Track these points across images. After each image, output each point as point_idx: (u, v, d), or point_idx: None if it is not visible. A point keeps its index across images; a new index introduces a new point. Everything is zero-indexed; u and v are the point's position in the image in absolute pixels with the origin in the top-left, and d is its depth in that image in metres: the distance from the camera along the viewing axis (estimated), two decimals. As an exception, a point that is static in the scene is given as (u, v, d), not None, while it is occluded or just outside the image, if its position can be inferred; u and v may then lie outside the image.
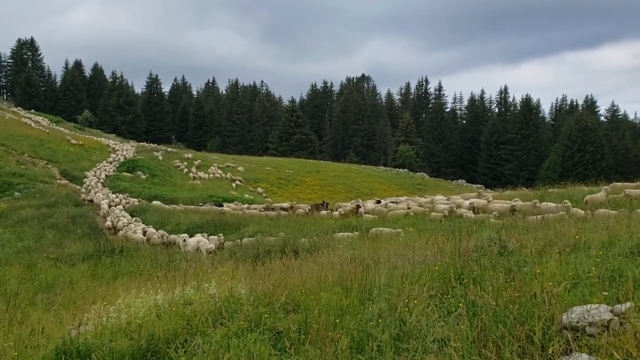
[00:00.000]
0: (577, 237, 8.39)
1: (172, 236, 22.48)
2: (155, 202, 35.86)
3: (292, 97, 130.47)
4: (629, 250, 7.21)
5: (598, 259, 6.80)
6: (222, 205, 33.67)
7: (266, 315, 6.55)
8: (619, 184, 24.39)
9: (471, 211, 20.19)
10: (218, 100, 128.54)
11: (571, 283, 6.23)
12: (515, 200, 19.66)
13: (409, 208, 23.37)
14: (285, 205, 31.25)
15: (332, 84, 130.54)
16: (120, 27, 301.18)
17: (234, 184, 53.09)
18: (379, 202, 28.35)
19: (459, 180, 77.35)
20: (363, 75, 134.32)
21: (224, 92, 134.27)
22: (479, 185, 65.91)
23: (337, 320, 6.06)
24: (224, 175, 57.08)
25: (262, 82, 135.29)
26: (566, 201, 17.14)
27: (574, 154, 78.15)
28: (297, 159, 78.80)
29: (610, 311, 5.19)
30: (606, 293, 5.69)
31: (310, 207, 29.45)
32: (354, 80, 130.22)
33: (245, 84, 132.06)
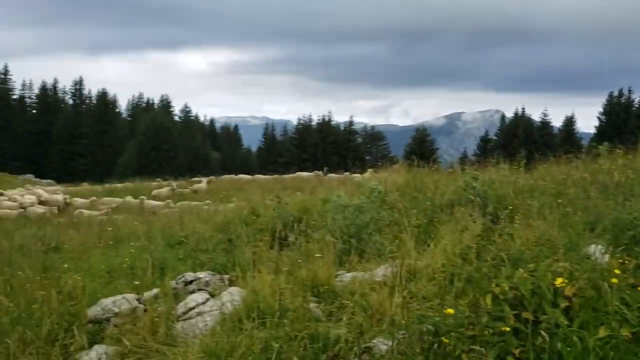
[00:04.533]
0: (109, 229, 8.48)
1: None
2: None
3: None
4: (174, 241, 7.48)
5: (133, 250, 6.80)
6: None
7: None
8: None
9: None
10: None
11: (112, 276, 6.20)
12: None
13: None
14: None
15: None
16: None
17: None
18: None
19: (27, 175, 74.74)
20: None
21: None
22: (49, 180, 64.95)
23: None
24: None
25: None
26: (144, 196, 18.66)
27: (149, 151, 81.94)
28: None
29: (137, 300, 5.24)
30: (137, 283, 5.76)
31: None
32: None
33: None
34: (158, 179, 29.51)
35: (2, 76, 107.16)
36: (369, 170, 21.30)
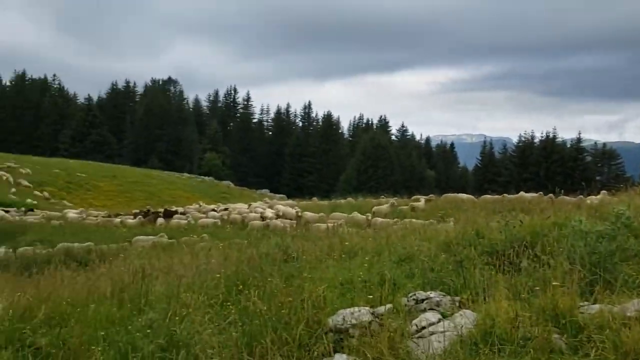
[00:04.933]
0: (347, 243, 8.67)
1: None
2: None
3: (88, 95, 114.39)
4: (398, 258, 7.49)
5: (366, 265, 7.00)
6: None
7: (24, 331, 6.19)
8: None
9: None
10: (0, 93, 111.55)
11: (345, 287, 6.47)
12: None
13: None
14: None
15: (135, 84, 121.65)
16: None
17: (13, 188, 47.76)
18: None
19: (263, 190, 77.63)
20: (170, 78, 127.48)
21: (8, 83, 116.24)
22: (281, 195, 66.79)
23: (102, 333, 5.90)
24: (2, 176, 51.29)
25: (54, 75, 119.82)
26: (369, 213, 19.35)
27: (367, 169, 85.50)
28: (90, 162, 72.50)
29: (372, 313, 5.44)
30: (371, 296, 5.93)
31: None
32: (160, 83, 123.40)
33: (34, 77, 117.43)
34: (383, 196, 30.49)
35: (245, 102, 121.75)
36: (602, 192, 19.53)
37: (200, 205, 30.04)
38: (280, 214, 21.78)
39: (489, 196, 23.80)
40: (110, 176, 61.42)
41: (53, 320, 6.56)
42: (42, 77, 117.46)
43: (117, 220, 26.23)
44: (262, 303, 5.88)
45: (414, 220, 15.70)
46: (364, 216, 18.70)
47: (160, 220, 24.48)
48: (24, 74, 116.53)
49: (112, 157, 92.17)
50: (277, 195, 65.17)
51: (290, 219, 20.38)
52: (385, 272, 6.56)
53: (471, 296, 5.69)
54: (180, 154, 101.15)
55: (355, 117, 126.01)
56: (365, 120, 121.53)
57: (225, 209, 27.41)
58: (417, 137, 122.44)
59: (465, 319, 4.99)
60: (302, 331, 5.26)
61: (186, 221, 23.56)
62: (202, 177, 79.04)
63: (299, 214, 20.59)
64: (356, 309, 5.46)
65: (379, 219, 17.77)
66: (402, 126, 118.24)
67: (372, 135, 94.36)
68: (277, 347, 5.12)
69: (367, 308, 5.52)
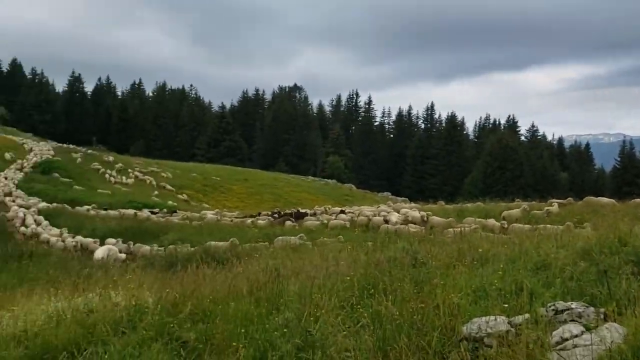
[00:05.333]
0: (480, 250, 8.36)
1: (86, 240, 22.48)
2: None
3: (222, 103, 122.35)
4: (534, 265, 7.21)
5: (500, 272, 6.78)
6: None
7: (172, 325, 6.58)
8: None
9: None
10: (144, 102, 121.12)
11: (477, 295, 6.31)
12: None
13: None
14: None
15: (264, 91, 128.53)
16: (41, 21, 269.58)
17: (156, 191, 51.14)
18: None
19: (385, 193, 75.59)
20: (295, 84, 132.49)
21: (151, 94, 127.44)
22: (403, 198, 64.22)
23: (243, 330, 6.15)
24: (146, 180, 55.15)
25: (191, 85, 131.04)
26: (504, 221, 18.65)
27: (494, 171, 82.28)
28: (224, 166, 76.37)
29: (508, 323, 5.30)
30: (506, 305, 5.77)
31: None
32: (286, 90, 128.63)
33: (173, 87, 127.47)
34: (517, 199, 29.25)
35: (367, 106, 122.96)
36: None
37: (327, 209, 30.64)
38: (409, 218, 21.58)
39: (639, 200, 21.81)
40: (242, 179, 65.39)
41: (196, 316, 6.95)
42: (180, 87, 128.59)
43: (249, 221, 27.40)
44: (394, 308, 5.91)
45: (548, 225, 14.93)
46: (499, 223, 17.92)
47: (289, 222, 25.28)
48: (164, 85, 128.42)
49: (244, 161, 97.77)
50: (399, 199, 64.95)
51: (415, 223, 20.13)
52: (522, 280, 6.32)
53: (617, 308, 5.34)
54: (305, 157, 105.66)
55: (481, 118, 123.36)
56: (491, 121, 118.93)
57: (352, 212, 27.80)
58: (549, 138, 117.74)
59: (613, 332, 4.70)
60: (436, 338, 5.23)
61: (318, 222, 24.09)
62: (326, 180, 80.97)
63: (425, 218, 20.22)
64: (492, 317, 5.32)
65: (516, 225, 17.00)
66: (532, 126, 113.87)
67: (499, 136, 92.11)
68: (412, 352, 5.12)
69: (503, 317, 5.36)
